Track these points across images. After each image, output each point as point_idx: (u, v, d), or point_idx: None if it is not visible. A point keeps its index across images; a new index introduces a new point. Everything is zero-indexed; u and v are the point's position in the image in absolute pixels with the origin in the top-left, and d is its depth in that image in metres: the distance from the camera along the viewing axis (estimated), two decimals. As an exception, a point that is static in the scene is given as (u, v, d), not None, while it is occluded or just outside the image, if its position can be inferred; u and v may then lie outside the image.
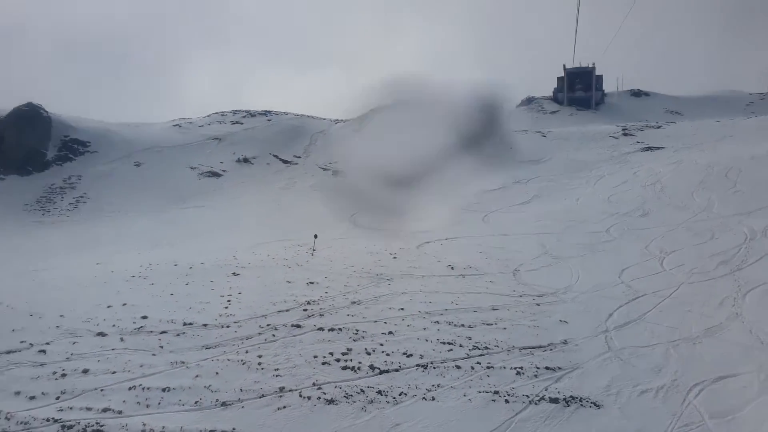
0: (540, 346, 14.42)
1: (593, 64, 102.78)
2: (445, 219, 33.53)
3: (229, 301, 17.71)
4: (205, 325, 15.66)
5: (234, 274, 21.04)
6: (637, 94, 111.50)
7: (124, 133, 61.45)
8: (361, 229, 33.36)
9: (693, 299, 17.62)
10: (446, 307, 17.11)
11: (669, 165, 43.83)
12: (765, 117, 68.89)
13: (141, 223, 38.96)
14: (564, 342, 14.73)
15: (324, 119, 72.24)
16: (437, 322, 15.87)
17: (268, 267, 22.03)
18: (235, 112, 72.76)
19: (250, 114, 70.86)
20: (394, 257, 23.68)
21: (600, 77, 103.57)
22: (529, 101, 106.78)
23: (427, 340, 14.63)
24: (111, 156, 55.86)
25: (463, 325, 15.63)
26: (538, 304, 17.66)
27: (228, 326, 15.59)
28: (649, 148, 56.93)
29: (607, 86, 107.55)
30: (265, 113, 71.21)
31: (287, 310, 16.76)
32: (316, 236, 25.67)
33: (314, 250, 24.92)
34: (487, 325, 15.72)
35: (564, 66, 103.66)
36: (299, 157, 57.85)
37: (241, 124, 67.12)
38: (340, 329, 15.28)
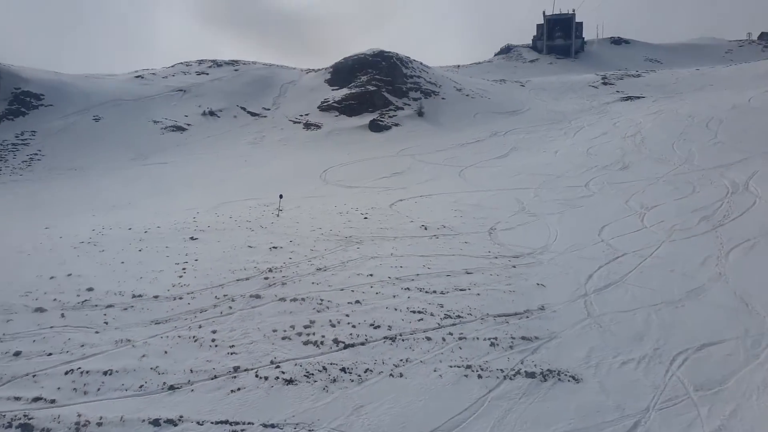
0: (516, 314, 13.64)
1: (573, 11, 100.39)
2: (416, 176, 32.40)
3: (184, 269, 16.52)
4: (156, 296, 14.50)
5: (192, 238, 19.75)
6: (617, 42, 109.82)
7: (81, 86, 58.17)
8: (332, 186, 32.06)
9: (674, 259, 17.00)
10: (418, 271, 16.18)
11: (649, 115, 43.05)
12: (744, 65, 68.31)
13: (100, 182, 37.01)
14: (541, 308, 13.98)
15: (294, 69, 69.39)
16: (408, 288, 14.95)
17: (230, 230, 20.76)
18: (200, 62, 69.38)
19: (217, 64, 67.61)
20: (365, 218, 22.59)
21: (580, 24, 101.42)
22: (507, 50, 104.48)
23: (396, 309, 13.72)
24: (67, 110, 52.89)
25: (434, 292, 14.74)
26: (515, 266, 16.86)
27: (181, 298, 14.46)
28: (629, 98, 56.06)
29: (588, 34, 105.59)
30: (232, 63, 68.01)
31: (247, 279, 15.64)
32: (281, 196, 24.36)
33: (280, 210, 23.64)
34: (460, 290, 14.86)
35: (544, 13, 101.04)
36: (268, 109, 55.60)
37: (207, 74, 64.09)
38: (303, 299, 14.27)
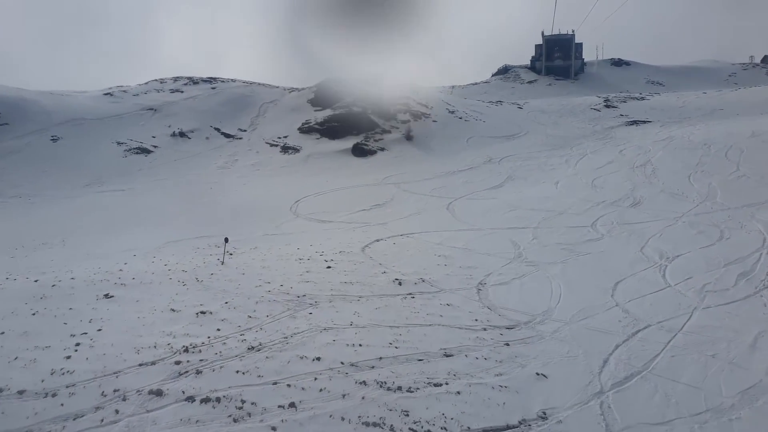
0: (508, 427, 10.02)
1: (573, 31, 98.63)
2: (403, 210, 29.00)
3: (78, 344, 12.86)
4: (21, 392, 10.79)
5: (107, 296, 16.12)
6: (617, 63, 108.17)
7: (43, 103, 54.96)
8: (302, 220, 28.58)
9: (714, 336, 13.50)
10: (381, 353, 12.59)
11: (659, 142, 40.03)
12: (753, 89, 65.93)
13: (41, 213, 33.43)
14: (542, 415, 10.39)
15: (277, 87, 66.46)
16: (364, 383, 11.33)
17: (157, 284, 17.16)
18: (176, 78, 66.45)
19: (193, 81, 64.64)
20: (329, 267, 19.05)
21: (580, 45, 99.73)
22: (505, 70, 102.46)
23: (343, 419, 10.09)
24: (24, 129, 49.61)
25: (399, 389, 11.13)
26: (508, 344, 13.30)
27: (54, 395, 10.76)
28: (634, 122, 53.29)
29: (587, 55, 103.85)
30: (210, 80, 65.07)
31: (153, 363, 11.98)
32: (226, 240, 20.81)
33: (229, 254, 20.06)
34: (435, 386, 11.26)
35: (542, 33, 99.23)
36: (244, 130, 52.41)
37: (182, 92, 61.04)
38: (218, 400, 10.61)
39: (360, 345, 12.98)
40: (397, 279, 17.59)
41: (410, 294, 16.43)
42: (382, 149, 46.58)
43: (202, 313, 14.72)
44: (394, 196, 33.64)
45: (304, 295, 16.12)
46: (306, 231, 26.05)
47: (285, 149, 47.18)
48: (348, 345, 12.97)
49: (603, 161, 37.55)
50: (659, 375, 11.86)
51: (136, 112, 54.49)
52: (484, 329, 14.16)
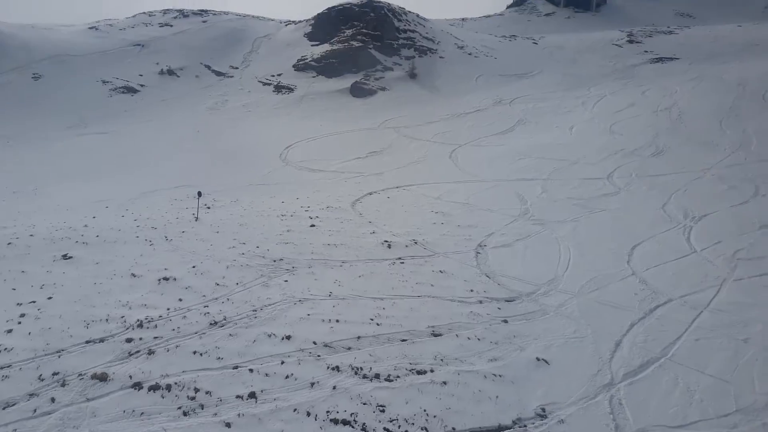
0: (499, 427, 8.78)
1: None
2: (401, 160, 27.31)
3: (22, 316, 11.67)
4: (-55, 376, 9.64)
5: (64, 257, 14.84)
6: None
7: (23, 38, 52.52)
8: (292, 169, 27.00)
9: (746, 315, 12.06)
10: (360, 331, 11.30)
11: (687, 82, 37.46)
12: (792, 22, 61.82)
13: (19, 156, 32.04)
14: (540, 413, 9.15)
15: (272, 20, 63.23)
16: (337, 368, 10.08)
17: (121, 244, 15.84)
18: (165, 11, 63.34)
19: (183, 14, 61.55)
20: (312, 225, 17.61)
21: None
22: (521, 1, 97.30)
23: (309, 415, 8.89)
24: (3, 66, 47.60)
25: (377, 377, 9.88)
26: (506, 321, 11.96)
27: (-17, 379, 9.59)
28: (659, 60, 50.29)
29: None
30: (201, 13, 61.89)
31: (101, 341, 10.78)
32: (200, 194, 19.32)
33: (197, 214, 18.63)
34: (418, 374, 10.00)
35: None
36: (236, 68, 50.02)
37: (171, 26, 58.23)
38: (168, 387, 9.42)
39: (337, 321, 11.68)
40: (386, 241, 16.16)
41: (399, 259, 15.03)
42: (383, 89, 44.26)
43: (165, 279, 13.42)
44: (392, 143, 31.82)
45: (281, 259, 14.77)
46: (294, 182, 24.52)
47: (278, 89, 44.95)
48: (324, 321, 11.68)
49: (623, 104, 35.24)
50: (680, 363, 10.51)
51: (122, 48, 52.05)
52: (480, 302, 12.80)
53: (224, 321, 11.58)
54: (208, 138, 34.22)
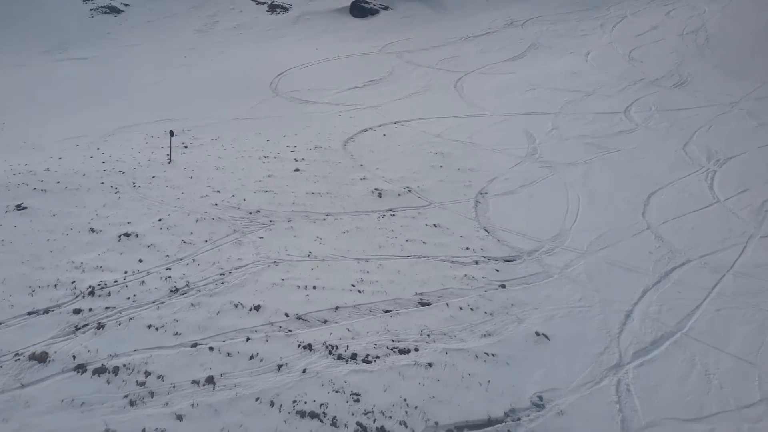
0: (489, 421, 7.80)
1: None
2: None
3: (-35, 279, 10.61)
4: None
5: (18, 207, 13.65)
6: None
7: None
8: (282, 99, 25.25)
9: (774, 280, 10.81)
10: (339, 300, 10.21)
11: (716, 1, 34.41)
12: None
13: (-8, 84, 30.21)
14: (537, 403, 8.15)
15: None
16: (309, 347, 9.06)
17: (84, 191, 14.59)
18: None
19: None
20: (297, 169, 16.21)
21: None
22: None
23: (273, 405, 7.92)
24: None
25: (354, 357, 8.86)
26: (503, 286, 10.81)
27: None
28: (687, -25, 46.29)
29: None
30: None
31: (45, 312, 9.77)
32: (172, 134, 17.80)
33: (171, 156, 17.20)
34: (400, 353, 8.98)
35: None
36: (231, -17, 46.74)
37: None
38: (116, 370, 8.48)
39: (314, 288, 10.56)
40: (377, 189, 14.81)
41: (390, 211, 13.73)
42: (386, 8, 41.31)
43: (126, 235, 12.25)
44: (393, 69, 29.72)
45: (258, 212, 13.51)
46: (283, 114, 22.87)
47: (273, 8, 42.10)
48: (299, 287, 10.57)
49: (645, 26, 32.59)
50: (698, 339, 9.39)
51: (103, -38, 48.56)
52: (476, 262, 11.60)
53: (186, 287, 10.48)
54: (194, 64, 32.16)
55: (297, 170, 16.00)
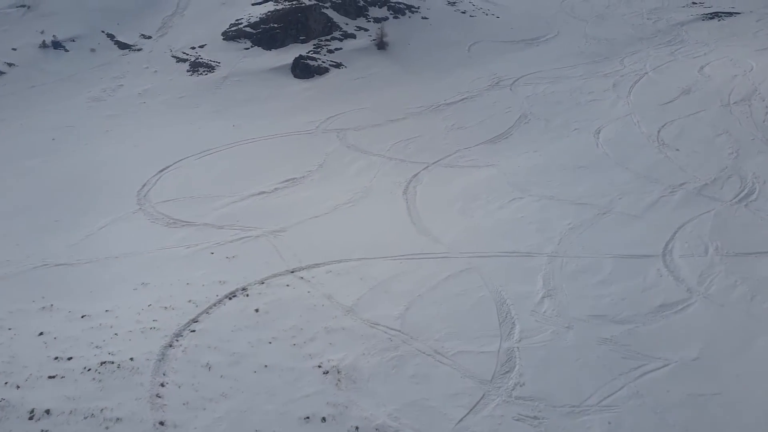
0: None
1: None
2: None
3: None
4: None
5: None
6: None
7: None
8: (147, 218, 17.90)
9: None
10: None
11: (763, 52, 27.62)
12: None
13: None
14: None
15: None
16: None
17: None
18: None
19: (93, -37, 51.13)
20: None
21: None
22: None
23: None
24: None
25: None
26: None
27: None
28: (715, 16, 40.39)
29: None
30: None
31: None
32: None
33: None
34: None
35: None
36: (149, 37, 40.34)
37: (73, -20, 47.93)
38: None
39: None
40: None
41: None
42: (339, 65, 34.57)
43: None
44: (327, 158, 22.57)
45: None
46: (123, 256, 15.36)
47: (195, 67, 35.28)
48: None
49: (673, 89, 25.77)
50: None
51: (0, 11, 42.27)
52: None
53: None
54: (60, 151, 24.96)
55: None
